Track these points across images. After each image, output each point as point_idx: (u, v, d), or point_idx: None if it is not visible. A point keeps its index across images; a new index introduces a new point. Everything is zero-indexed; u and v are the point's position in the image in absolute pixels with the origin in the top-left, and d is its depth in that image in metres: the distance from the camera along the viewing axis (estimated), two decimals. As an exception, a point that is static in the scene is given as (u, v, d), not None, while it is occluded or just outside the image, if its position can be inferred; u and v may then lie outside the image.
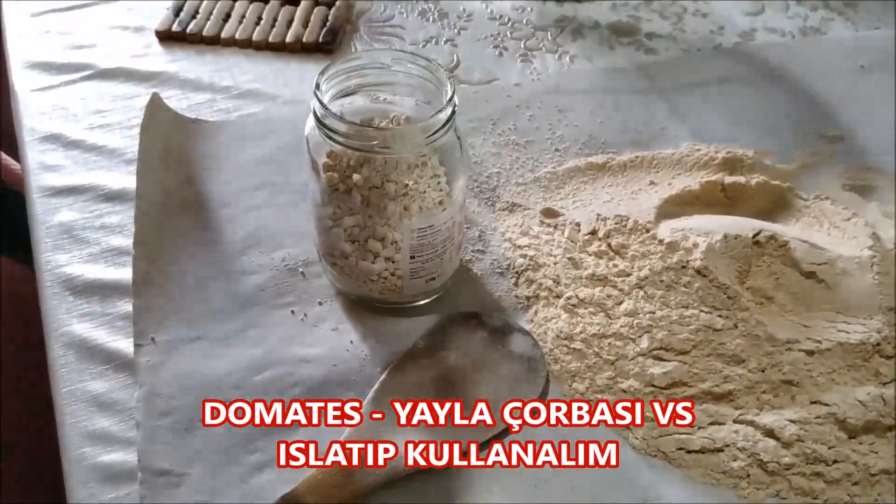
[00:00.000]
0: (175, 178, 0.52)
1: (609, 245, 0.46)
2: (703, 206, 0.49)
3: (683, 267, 0.44)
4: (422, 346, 0.44)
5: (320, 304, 0.46)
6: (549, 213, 0.51)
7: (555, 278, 0.46)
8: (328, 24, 0.64)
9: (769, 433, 0.39)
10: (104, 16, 0.66)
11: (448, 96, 0.40)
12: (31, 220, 0.51)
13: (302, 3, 0.66)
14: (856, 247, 0.44)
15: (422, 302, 0.46)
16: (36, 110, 0.58)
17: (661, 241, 0.45)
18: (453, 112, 0.40)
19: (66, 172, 0.53)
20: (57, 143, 0.55)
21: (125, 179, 0.52)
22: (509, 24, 0.67)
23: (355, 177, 0.41)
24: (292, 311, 0.46)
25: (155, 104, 0.54)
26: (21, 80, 0.60)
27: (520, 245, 0.49)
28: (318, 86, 0.41)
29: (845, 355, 0.41)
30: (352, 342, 0.44)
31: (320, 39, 0.63)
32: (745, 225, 0.45)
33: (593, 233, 0.47)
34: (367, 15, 0.67)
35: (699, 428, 0.40)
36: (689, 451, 0.40)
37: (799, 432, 0.39)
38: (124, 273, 0.47)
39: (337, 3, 0.66)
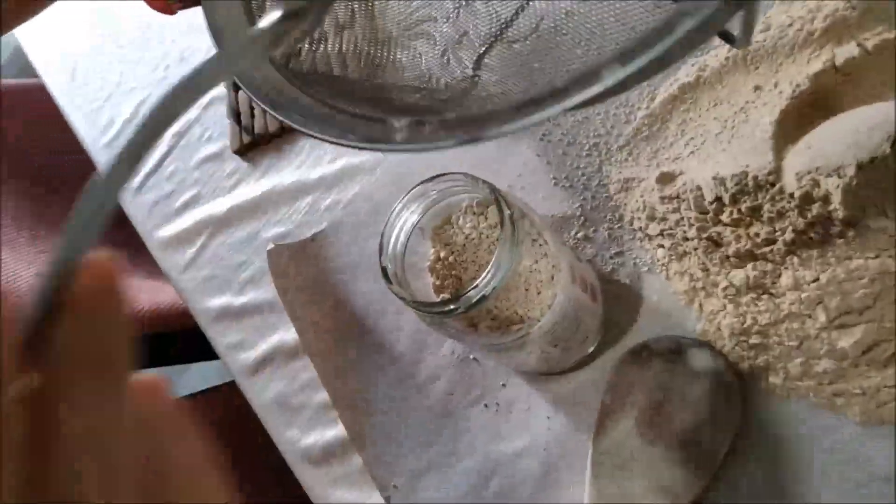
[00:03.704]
0: (323, 310, 0.55)
1: (740, 210, 0.42)
2: (820, 100, 0.42)
3: (827, 218, 0.39)
4: (608, 401, 0.44)
5: (503, 385, 0.48)
6: (666, 178, 0.46)
7: (702, 266, 0.43)
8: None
9: None
10: (187, 154, 0.68)
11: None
12: (250, 401, 0.58)
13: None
14: None
15: (591, 349, 0.46)
16: (194, 289, 0.63)
17: (791, 196, 0.40)
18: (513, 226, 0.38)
19: (250, 346, 0.59)
20: (228, 317, 0.61)
21: (293, 329, 0.56)
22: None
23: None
24: (485, 405, 0.48)
25: (273, 255, 0.57)
26: (167, 264, 0.66)
27: (652, 234, 0.46)
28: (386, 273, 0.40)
29: None
30: (548, 418, 0.46)
31: (364, 76, 0.60)
32: (874, 131, 0.38)
33: (718, 199, 0.43)
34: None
35: (916, 385, 0.37)
36: (915, 413, 0.37)
37: None
38: (339, 429, 0.52)
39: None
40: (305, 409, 0.55)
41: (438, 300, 0.40)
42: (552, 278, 0.41)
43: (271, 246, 0.57)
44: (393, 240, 0.41)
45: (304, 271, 0.57)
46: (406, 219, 0.42)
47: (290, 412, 0.55)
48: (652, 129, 0.49)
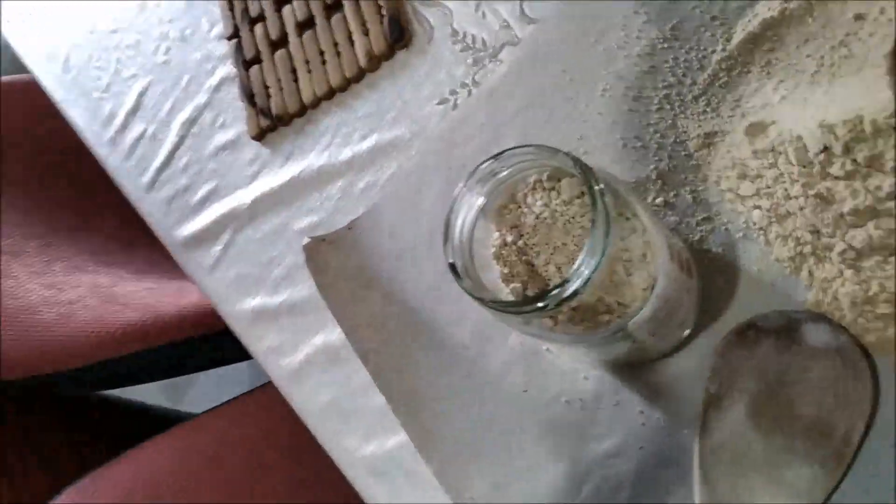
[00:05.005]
0: (370, 305, 0.50)
1: (855, 161, 0.36)
2: (946, 23, 0.36)
3: (971, 163, 0.33)
4: (713, 390, 0.39)
5: (585, 378, 0.43)
6: (756, 130, 0.41)
7: (811, 228, 0.38)
8: (384, 17, 0.55)
9: None
10: (200, 143, 0.63)
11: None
12: (297, 410, 0.53)
13: (345, 5, 0.57)
14: None
15: (686, 333, 0.41)
16: (224, 291, 0.58)
17: (923, 139, 0.34)
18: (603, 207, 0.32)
19: (291, 349, 0.53)
20: (264, 319, 0.55)
21: (337, 329, 0.51)
22: None
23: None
24: (566, 402, 0.43)
25: (309, 249, 0.51)
26: (191, 265, 0.60)
27: (744, 194, 0.40)
28: (454, 268, 0.35)
29: None
30: (641, 412, 0.41)
31: (390, 41, 0.54)
32: None
33: (827, 149, 0.37)
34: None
35: None
36: None
37: None
38: (401, 436, 0.47)
39: (377, -17, 0.56)
40: (362, 415, 0.50)
41: (523, 297, 0.35)
42: (644, 257, 0.35)
43: (307, 240, 0.52)
44: (458, 229, 0.36)
45: (345, 263, 0.52)
46: (470, 203, 0.36)
47: (344, 419, 0.50)
48: (731, 74, 0.43)
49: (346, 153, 0.55)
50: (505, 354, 0.45)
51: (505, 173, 0.35)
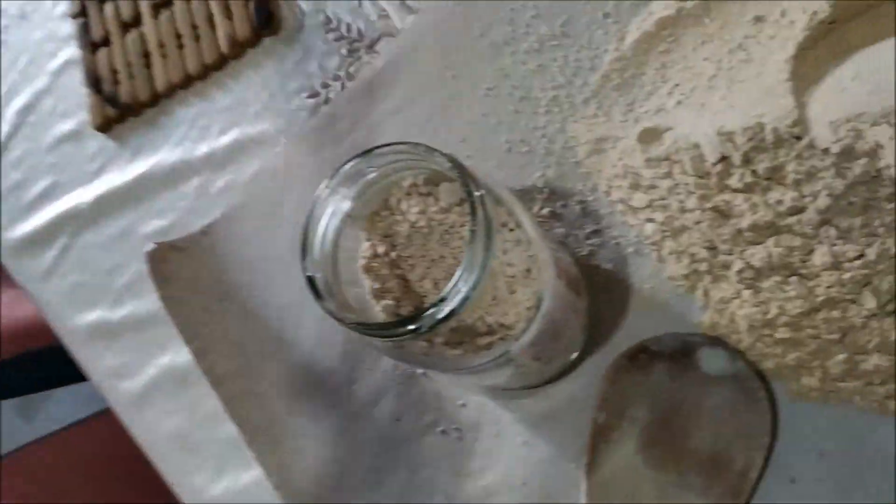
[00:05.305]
0: (225, 322, 0.44)
1: (755, 172, 0.33)
2: (844, 27, 0.34)
3: (875, 177, 0.31)
4: (601, 419, 0.35)
5: (463, 406, 0.39)
6: (649, 136, 0.37)
7: (707, 244, 0.35)
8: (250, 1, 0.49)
9: None
10: (37, 133, 0.55)
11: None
12: (138, 440, 0.46)
13: (206, -16, 0.51)
14: None
15: (573, 356, 0.37)
16: (58, 303, 0.51)
17: (826, 151, 0.31)
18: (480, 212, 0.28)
19: (133, 370, 0.47)
20: (103, 335, 0.49)
21: (184, 348, 0.45)
22: None
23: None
24: (442, 432, 0.39)
25: (155, 256, 0.45)
26: (22, 272, 0.53)
27: (637, 206, 0.37)
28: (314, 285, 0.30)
29: None
30: (524, 443, 0.37)
31: (256, 26, 0.49)
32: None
33: (725, 159, 0.34)
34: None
35: None
36: None
37: None
38: (257, 471, 0.42)
39: (242, -38, 0.50)
40: (212, 447, 0.44)
41: (393, 319, 0.30)
42: (528, 272, 0.31)
43: (151, 245, 0.45)
44: (319, 237, 0.31)
45: (198, 274, 0.45)
46: (335, 207, 0.31)
47: (192, 452, 0.44)
48: (624, 75, 0.40)
49: (203, 149, 0.49)
50: (376, 379, 0.41)
51: (375, 174, 0.31)
